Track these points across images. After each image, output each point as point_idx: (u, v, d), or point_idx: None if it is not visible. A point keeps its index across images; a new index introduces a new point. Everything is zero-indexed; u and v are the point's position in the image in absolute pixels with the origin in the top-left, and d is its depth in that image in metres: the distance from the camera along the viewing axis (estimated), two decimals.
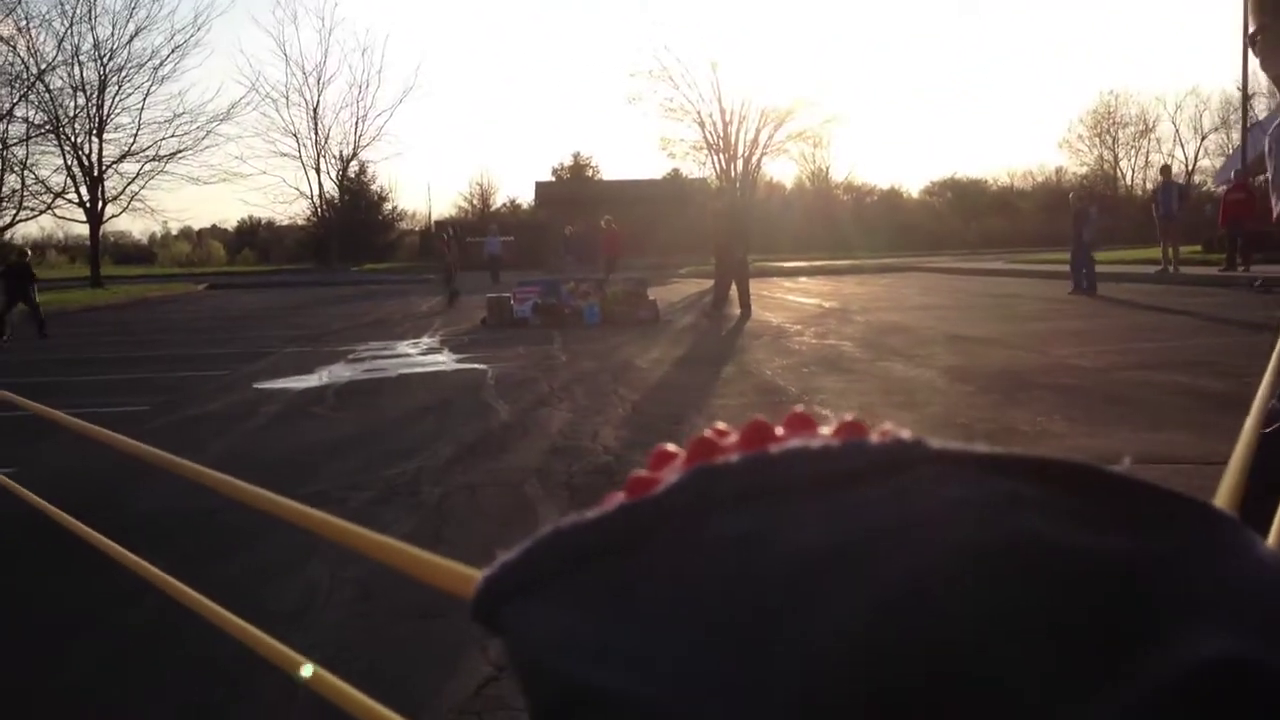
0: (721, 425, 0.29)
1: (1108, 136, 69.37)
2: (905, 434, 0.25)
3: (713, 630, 0.22)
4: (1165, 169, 21.08)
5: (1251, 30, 2.01)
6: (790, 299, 19.02)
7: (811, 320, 14.07)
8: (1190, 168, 65.01)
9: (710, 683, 0.21)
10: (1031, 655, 0.20)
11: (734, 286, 15.41)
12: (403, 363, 11.00)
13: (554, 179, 58.63)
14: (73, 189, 30.73)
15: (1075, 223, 18.14)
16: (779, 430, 0.28)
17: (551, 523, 0.25)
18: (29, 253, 18.14)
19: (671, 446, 0.29)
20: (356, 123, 46.07)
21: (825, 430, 0.27)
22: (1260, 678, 0.19)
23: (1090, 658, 0.20)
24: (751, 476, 0.25)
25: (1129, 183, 69.07)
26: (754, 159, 36.35)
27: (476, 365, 10.40)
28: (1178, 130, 67.19)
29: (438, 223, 28.03)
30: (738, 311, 14.87)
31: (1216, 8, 73.49)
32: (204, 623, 0.71)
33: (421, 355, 11.68)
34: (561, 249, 32.07)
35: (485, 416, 7.40)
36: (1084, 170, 70.17)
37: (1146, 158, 68.54)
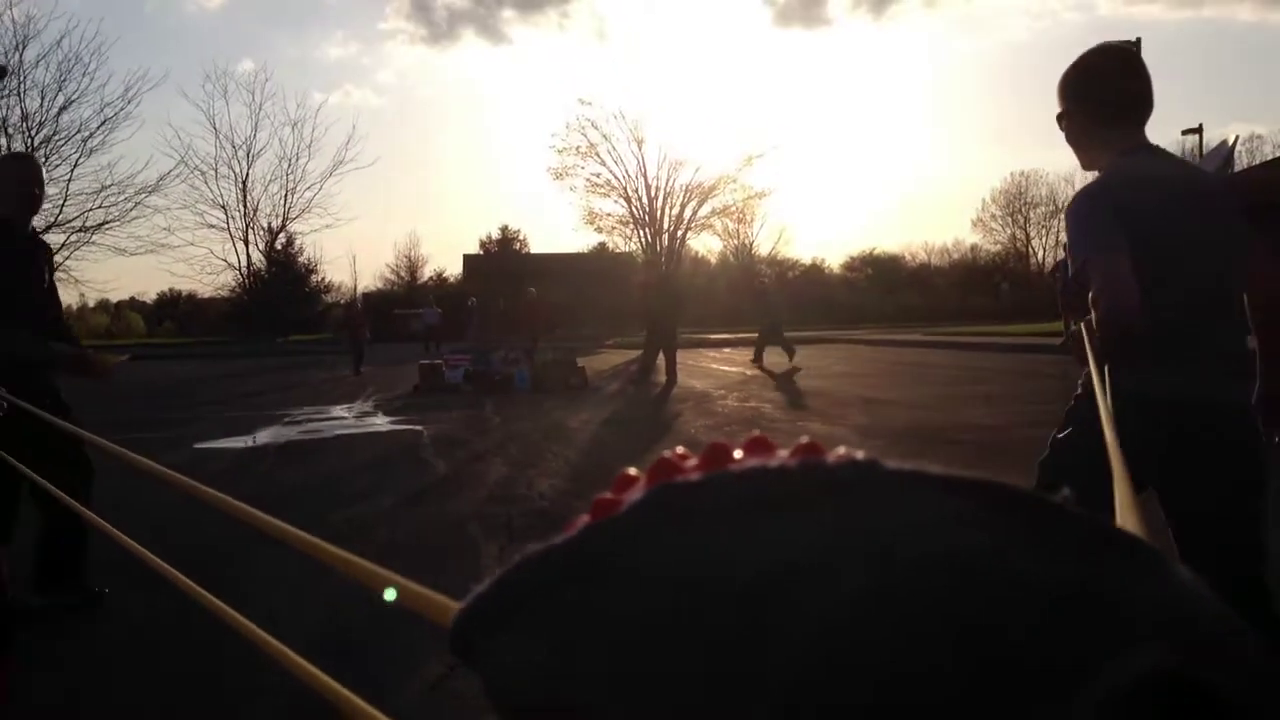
0: (681, 449, 0.30)
1: (1019, 215, 72.23)
2: (860, 455, 0.27)
3: (676, 648, 0.23)
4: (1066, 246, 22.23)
5: (1057, 113, 2.60)
6: (715, 367, 19.63)
7: (734, 386, 14.64)
8: None
9: (674, 700, 0.22)
10: (978, 670, 0.20)
11: (662, 355, 16.00)
12: (339, 425, 11.29)
13: (482, 252, 59.16)
14: None
15: (760, 301, 19.82)
16: (738, 452, 0.29)
17: (520, 552, 0.27)
18: None
19: (633, 470, 0.30)
20: (285, 195, 46.27)
21: (783, 452, 0.28)
22: (1185, 690, 0.20)
23: (1033, 673, 0.21)
24: (712, 494, 0.26)
25: (1040, 260, 71.84)
26: (679, 234, 37.25)
27: (412, 426, 10.73)
28: None
29: (349, 302, 28.53)
30: (664, 379, 15.41)
31: None
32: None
33: (357, 419, 11.97)
34: (464, 320, 32.44)
35: (424, 471, 7.76)
36: (997, 248, 72.93)
37: (1057, 236, 71.48)
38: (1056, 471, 2.55)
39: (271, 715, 3.08)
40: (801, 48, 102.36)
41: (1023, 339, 23.81)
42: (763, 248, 68.89)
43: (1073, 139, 2.59)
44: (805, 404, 11.49)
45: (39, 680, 3.49)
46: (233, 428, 11.03)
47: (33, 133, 31.68)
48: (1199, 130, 34.29)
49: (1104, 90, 2.48)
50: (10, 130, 31.00)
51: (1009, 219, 72.35)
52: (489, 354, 16.38)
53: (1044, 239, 72.14)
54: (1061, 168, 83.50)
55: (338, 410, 12.97)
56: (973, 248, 74.37)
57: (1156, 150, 2.48)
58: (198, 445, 9.64)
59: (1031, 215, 72.02)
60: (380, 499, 6.59)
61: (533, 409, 12.24)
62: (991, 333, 27.79)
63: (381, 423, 11.44)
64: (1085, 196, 2.38)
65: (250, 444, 9.66)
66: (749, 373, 17.53)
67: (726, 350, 27.99)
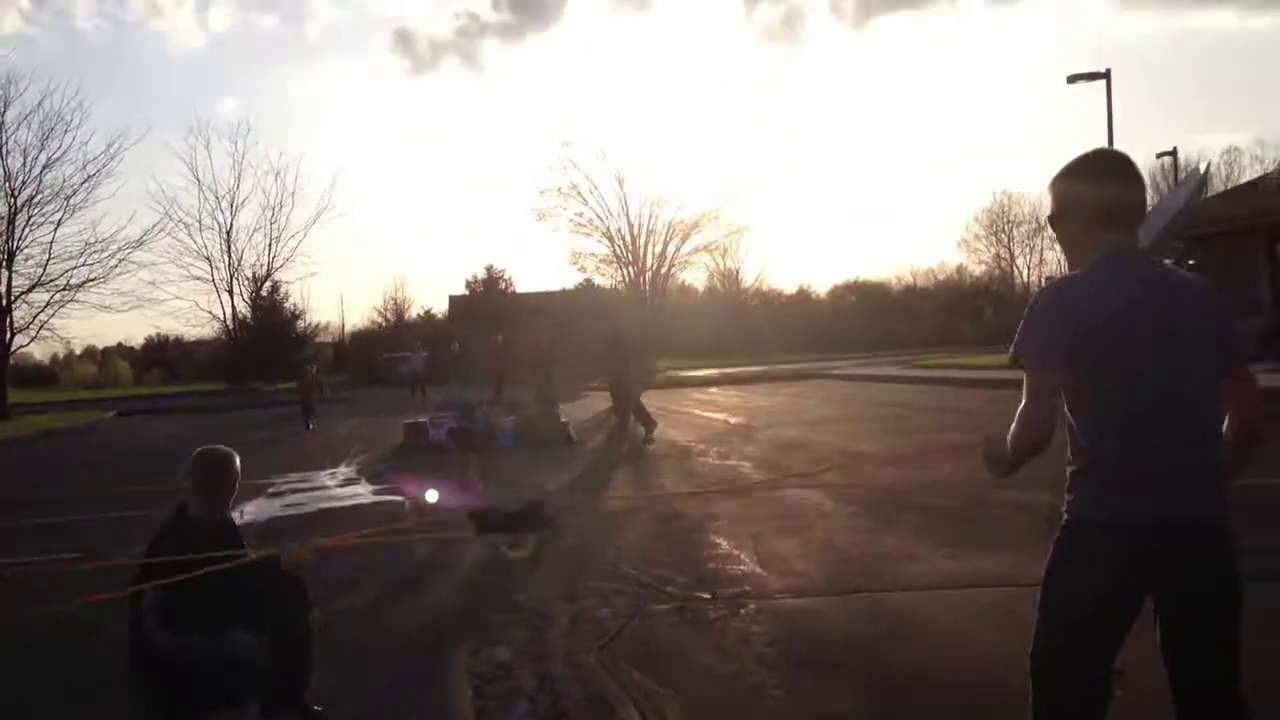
0: None
1: (1003, 235, 72.77)
2: None
3: None
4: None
5: (1049, 215, 2.69)
6: (698, 414, 19.77)
7: (716, 438, 14.76)
8: None
9: None
10: None
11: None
12: (321, 496, 11.36)
13: (468, 291, 59.33)
14: None
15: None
16: None
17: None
18: None
19: None
20: (270, 244, 46.33)
21: None
22: None
23: None
24: None
25: (1025, 280, 72.41)
26: (663, 270, 37.46)
27: (394, 497, 10.81)
28: None
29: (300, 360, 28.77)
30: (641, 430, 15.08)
31: (1094, 113, 78.08)
32: None
33: (339, 487, 12.04)
34: (449, 364, 32.27)
35: (402, 555, 7.84)
36: (982, 268, 73.46)
37: (1041, 255, 72.15)
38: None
39: None
40: (782, 66, 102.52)
41: (1001, 373, 23.97)
42: (748, 277, 69.43)
43: (1065, 242, 2.64)
44: (784, 461, 11.63)
45: None
46: None
47: (15, 192, 31.68)
48: (1174, 154, 34.90)
49: (1093, 196, 2.53)
50: None
51: (993, 238, 72.99)
52: (474, 410, 16.51)
53: (1028, 257, 72.91)
54: (1041, 186, 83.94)
55: (322, 477, 13.03)
56: (958, 269, 75.01)
57: (1135, 257, 2.52)
58: None
59: (1015, 234, 72.63)
60: (359, 593, 6.65)
61: (516, 471, 12.33)
62: (970, 365, 27.94)
63: (364, 492, 11.51)
64: (1044, 295, 2.49)
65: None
66: (732, 421, 17.67)
67: (712, 390, 28.14)
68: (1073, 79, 24.77)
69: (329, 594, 6.54)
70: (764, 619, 5.45)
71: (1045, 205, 2.78)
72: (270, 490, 11.93)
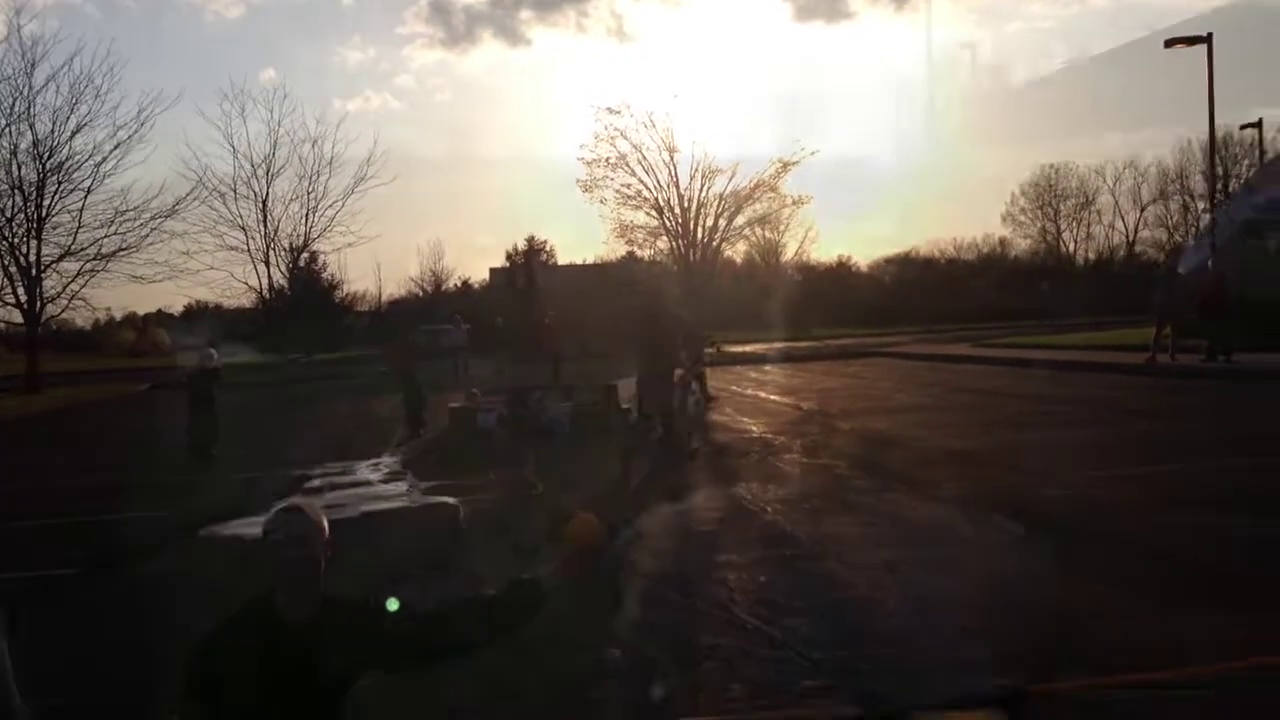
0: None
1: (1049, 209, 70.57)
2: None
3: None
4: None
5: None
6: (764, 397, 18.39)
7: (794, 428, 13.37)
8: (1131, 239, 66.98)
9: None
10: None
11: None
12: (364, 494, 10.09)
13: (508, 264, 58.02)
14: (9, 289, 29.36)
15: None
16: None
17: None
18: (215, 355, 14.71)
19: None
20: (307, 214, 44.96)
21: None
22: None
23: None
24: None
25: (1070, 253, 70.34)
26: (714, 244, 35.95)
27: (446, 499, 9.52)
28: (1117, 202, 68.72)
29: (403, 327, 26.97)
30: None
31: (1150, 82, 75.63)
32: None
33: (384, 483, 10.77)
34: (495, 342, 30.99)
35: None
36: (1027, 242, 71.27)
37: (1088, 229, 70.03)
38: None
39: None
40: (823, 43, 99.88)
41: (1091, 354, 22.42)
42: (788, 250, 67.65)
43: None
44: (883, 463, 10.20)
45: None
46: (244, 501, 9.49)
47: (44, 159, 30.36)
48: (1259, 125, 32.89)
49: None
50: (21, 157, 29.74)
51: (1038, 212, 70.67)
52: (525, 395, 15.21)
53: (1074, 231, 70.73)
54: (1091, 159, 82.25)
55: (363, 469, 11.75)
56: (1002, 241, 72.71)
57: None
58: (203, 532, 8.43)
59: (1062, 208, 70.39)
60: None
61: (575, 467, 11.02)
62: (1047, 345, 26.29)
63: (410, 491, 10.22)
64: None
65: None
66: (804, 406, 16.26)
67: (768, 369, 26.71)
68: (1170, 43, 22.88)
69: None
70: None
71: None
72: (306, 485, 10.69)
